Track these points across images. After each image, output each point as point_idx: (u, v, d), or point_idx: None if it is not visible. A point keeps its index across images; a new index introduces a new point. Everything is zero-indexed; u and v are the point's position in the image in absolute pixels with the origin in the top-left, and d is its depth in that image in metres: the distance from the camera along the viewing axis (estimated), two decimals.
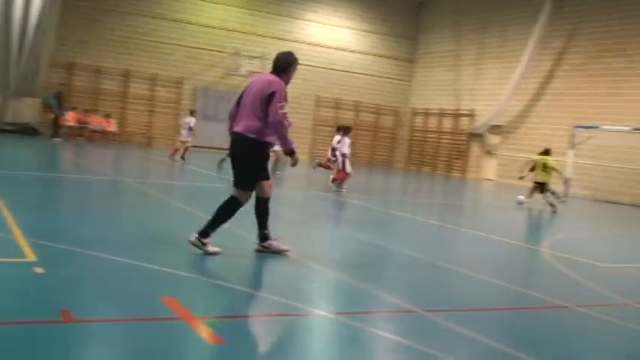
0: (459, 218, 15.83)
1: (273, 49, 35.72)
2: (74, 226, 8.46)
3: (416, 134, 37.77)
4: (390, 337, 5.10)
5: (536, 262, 9.70)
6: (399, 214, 14.36)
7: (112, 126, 30.60)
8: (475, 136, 34.04)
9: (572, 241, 12.87)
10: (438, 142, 35.99)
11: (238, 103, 7.53)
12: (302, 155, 23.59)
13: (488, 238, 11.65)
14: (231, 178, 7.46)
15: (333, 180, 17.12)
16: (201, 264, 7.01)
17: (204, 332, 4.71)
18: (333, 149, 17.78)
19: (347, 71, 36.02)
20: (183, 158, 22.67)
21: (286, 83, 7.43)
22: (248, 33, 34.02)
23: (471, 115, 34.17)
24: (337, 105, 36.43)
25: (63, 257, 6.45)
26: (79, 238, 7.47)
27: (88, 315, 4.84)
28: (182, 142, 22.96)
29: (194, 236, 7.23)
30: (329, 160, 18.27)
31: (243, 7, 34.11)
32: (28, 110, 28.78)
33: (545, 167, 17.82)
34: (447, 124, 35.68)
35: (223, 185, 17.19)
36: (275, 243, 7.64)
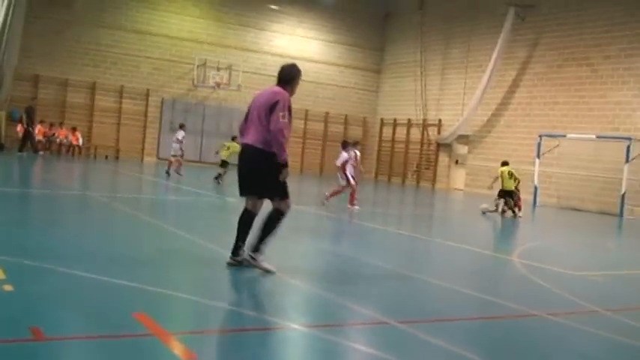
0: (429, 229, 15.92)
1: (240, 60, 35.72)
2: (43, 242, 8.35)
3: (384, 144, 37.93)
4: (364, 349, 5.10)
5: (506, 271, 9.78)
6: (370, 226, 14.40)
7: (78, 139, 30.27)
8: (443, 146, 34.30)
9: (541, 249, 13.00)
10: (407, 153, 36.17)
11: (246, 117, 7.57)
12: None
13: (459, 248, 11.72)
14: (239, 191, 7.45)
15: (351, 203, 16.77)
16: (172, 279, 6.96)
17: (177, 348, 4.67)
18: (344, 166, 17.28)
19: (315, 82, 36.09)
20: (167, 172, 22.85)
21: (290, 95, 7.47)
22: (215, 44, 33.96)
23: (438, 125, 34.43)
24: (306, 116, 36.46)
25: (32, 274, 6.35)
26: (47, 254, 7.37)
27: (58, 333, 4.77)
28: (173, 155, 23.12)
29: (247, 254, 7.27)
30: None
31: (209, 19, 34.05)
32: None
33: (511, 176, 18.72)
34: (415, 134, 35.90)
35: (192, 198, 17.11)
36: (248, 257, 7.40)
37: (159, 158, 32.39)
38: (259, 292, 6.85)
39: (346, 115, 37.94)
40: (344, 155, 17.35)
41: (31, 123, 27.55)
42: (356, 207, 16.68)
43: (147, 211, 13.71)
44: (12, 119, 28.89)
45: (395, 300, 7.02)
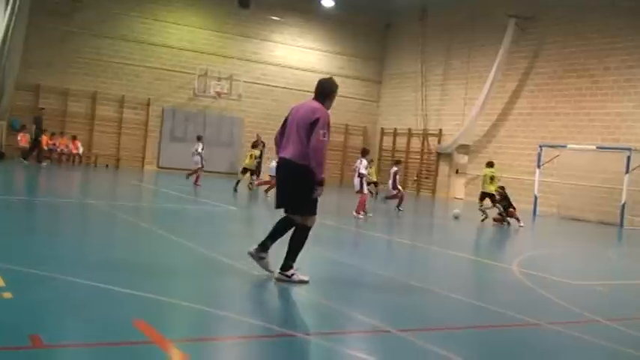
0: (430, 237, 15.91)
1: (242, 70, 35.74)
2: (42, 249, 8.34)
3: (385, 154, 37.94)
4: (364, 357, 5.08)
5: (506, 280, 9.75)
6: (371, 234, 14.39)
7: (78, 148, 30.28)
8: (444, 155, 34.32)
9: (542, 258, 12.98)
10: (407, 162, 36.16)
11: (283, 127, 7.69)
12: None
13: (459, 257, 11.71)
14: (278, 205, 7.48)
15: (358, 212, 16.92)
16: (172, 286, 6.95)
17: (176, 356, 4.66)
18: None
19: None
20: (196, 183, 23.23)
21: (327, 108, 7.60)
22: (216, 54, 34.00)
23: (438, 134, 34.46)
24: None
25: (31, 281, 6.35)
26: (47, 262, 7.36)
27: (57, 340, 4.77)
28: (194, 167, 23.65)
29: (277, 272, 7.30)
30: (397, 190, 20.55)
31: (210, 29, 34.10)
32: None
33: (492, 179, 19.33)
34: (416, 143, 35.92)
35: (191, 206, 17.11)
36: (297, 273, 7.45)
37: (159, 167, 32.41)
38: (259, 300, 6.84)
39: (347, 125, 37.95)
40: (364, 162, 17.97)
41: (40, 133, 27.62)
42: (360, 216, 16.74)
43: (147, 218, 13.70)
44: (12, 129, 28.92)
45: (395, 308, 7.01)
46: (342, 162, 37.82)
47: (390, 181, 20.89)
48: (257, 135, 29.35)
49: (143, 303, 6.03)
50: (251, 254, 7.52)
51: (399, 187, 20.86)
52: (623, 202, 22.87)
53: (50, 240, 9.37)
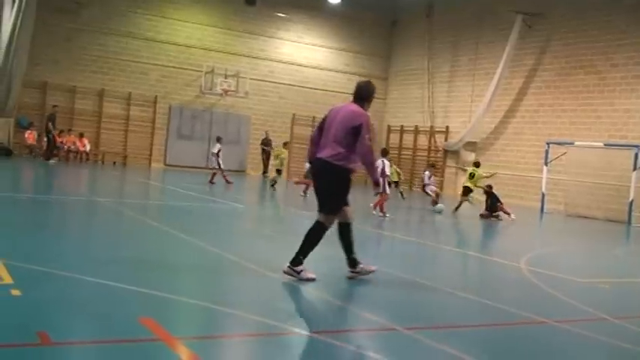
0: (437, 235, 15.89)
1: (248, 68, 35.76)
2: (50, 247, 8.36)
3: (392, 151, 37.81)
4: (372, 355, 5.08)
5: (513, 278, 9.73)
6: (378, 232, 14.38)
7: (85, 145, 30.35)
8: (450, 152, 34.26)
9: (549, 256, 12.96)
10: (414, 159, 36.13)
11: (320, 128, 7.78)
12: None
13: (466, 255, 11.70)
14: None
15: (375, 207, 17.07)
16: (179, 284, 6.96)
17: (183, 353, 4.66)
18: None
19: (322, 89, 36.06)
20: (211, 182, 23.32)
21: (366, 110, 7.75)
22: (222, 52, 33.99)
23: (445, 132, 34.41)
24: (313, 123, 36.46)
25: (40, 279, 6.37)
26: (55, 259, 7.39)
27: (65, 337, 4.78)
28: (215, 168, 23.76)
29: (286, 266, 7.36)
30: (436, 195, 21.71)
31: (216, 26, 34.09)
32: (1, 131, 28.45)
33: (472, 176, 20.74)
34: (423, 141, 35.87)
35: (198, 204, 17.13)
36: (364, 265, 7.74)
37: (166, 165, 32.45)
38: (266, 297, 6.84)
39: None
40: (387, 162, 18.07)
41: (54, 130, 27.69)
42: (380, 214, 16.89)
43: (154, 216, 13.71)
44: (20, 126, 29.01)
45: (402, 306, 7.01)
46: None
47: (431, 185, 22.46)
48: (266, 133, 29.36)
49: (151, 301, 6.05)
50: (352, 275, 7.71)
51: (434, 188, 22.46)
52: (630, 199, 22.77)
53: (58, 237, 9.39)
